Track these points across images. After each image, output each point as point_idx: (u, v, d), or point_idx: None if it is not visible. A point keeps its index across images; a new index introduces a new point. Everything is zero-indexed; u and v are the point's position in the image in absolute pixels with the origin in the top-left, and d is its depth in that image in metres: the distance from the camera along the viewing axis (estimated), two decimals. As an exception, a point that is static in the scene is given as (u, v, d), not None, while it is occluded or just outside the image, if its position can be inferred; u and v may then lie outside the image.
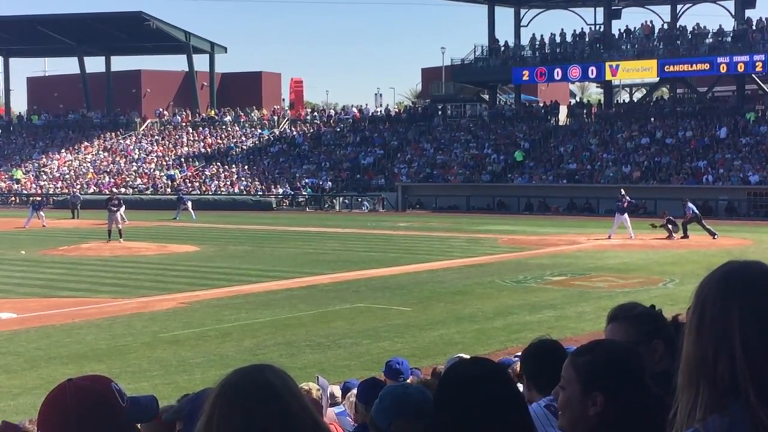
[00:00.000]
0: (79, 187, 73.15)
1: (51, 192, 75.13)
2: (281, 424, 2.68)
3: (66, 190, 72.46)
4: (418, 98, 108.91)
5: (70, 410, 2.93)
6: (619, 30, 75.92)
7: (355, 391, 7.79)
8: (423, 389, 4.33)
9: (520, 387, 4.57)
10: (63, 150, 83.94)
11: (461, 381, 3.22)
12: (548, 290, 27.40)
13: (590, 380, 3.25)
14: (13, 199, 75.89)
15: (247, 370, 2.81)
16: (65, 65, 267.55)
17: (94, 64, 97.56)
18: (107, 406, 3.01)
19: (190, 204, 60.45)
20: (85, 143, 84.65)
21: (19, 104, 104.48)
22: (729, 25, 70.75)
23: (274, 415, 2.68)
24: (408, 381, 8.33)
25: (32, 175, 79.47)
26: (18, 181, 78.44)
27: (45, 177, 78.88)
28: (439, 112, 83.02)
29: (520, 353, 6.30)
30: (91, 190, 74.57)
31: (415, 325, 21.53)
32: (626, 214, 43.24)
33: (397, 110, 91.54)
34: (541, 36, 77.35)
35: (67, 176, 78.45)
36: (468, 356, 9.56)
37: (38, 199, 61.45)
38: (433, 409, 3.38)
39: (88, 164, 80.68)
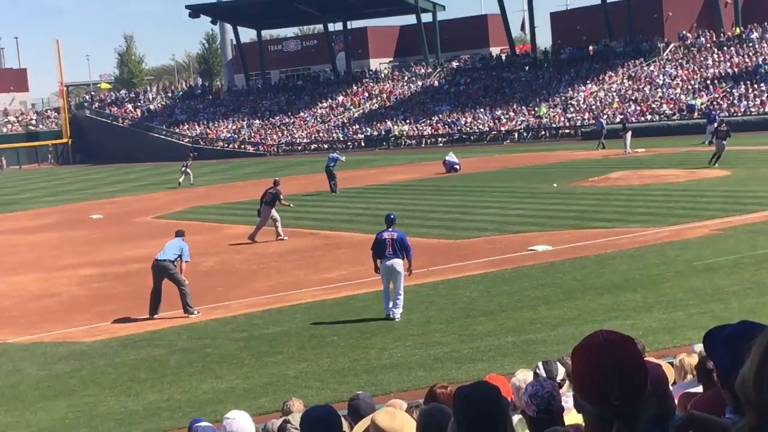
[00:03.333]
0: (605, 117, 73.84)
1: (578, 124, 76.58)
2: None
3: (592, 122, 73.47)
4: None
5: (604, 362, 2.94)
6: None
7: None
8: None
9: None
10: (588, 82, 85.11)
11: None
12: None
13: None
14: (543, 133, 78.35)
15: None
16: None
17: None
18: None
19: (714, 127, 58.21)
20: (609, 73, 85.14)
21: (544, 40, 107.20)
22: None
23: None
24: None
25: (560, 109, 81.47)
26: (540, 117, 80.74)
27: (572, 109, 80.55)
28: None
29: None
30: (617, 119, 74.99)
31: None
32: None
33: None
34: None
35: (593, 107, 79.49)
36: None
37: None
38: None
39: (613, 94, 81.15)
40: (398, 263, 18.31)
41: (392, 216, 19.35)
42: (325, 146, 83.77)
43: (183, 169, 57.62)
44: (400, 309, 18.22)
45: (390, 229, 18.76)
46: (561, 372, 7.60)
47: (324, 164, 46.53)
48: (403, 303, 18.28)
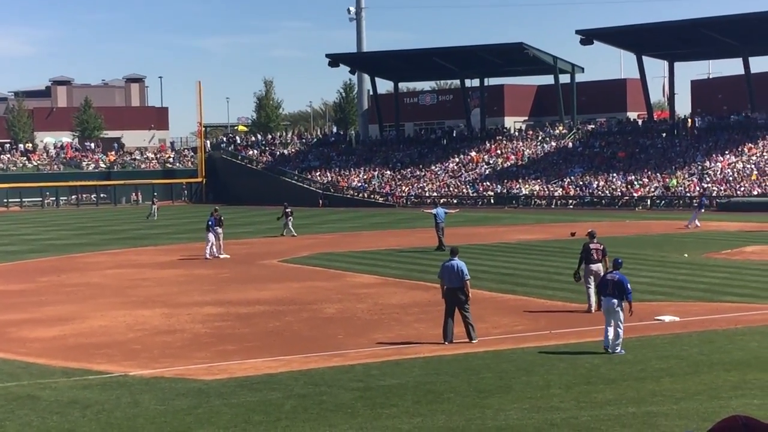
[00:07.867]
0: (742, 189, 72.13)
1: (714, 194, 74.99)
2: None
3: (728, 192, 71.90)
4: None
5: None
6: None
7: None
8: None
9: None
10: (726, 152, 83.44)
11: None
12: None
13: None
14: (676, 201, 76.86)
15: None
16: (729, 67, 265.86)
17: (761, 64, 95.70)
18: None
19: None
20: (749, 144, 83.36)
21: (683, 108, 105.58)
22: None
23: None
24: None
25: (695, 178, 79.93)
26: (667, 189, 79.18)
27: (708, 179, 78.97)
28: None
29: None
30: (755, 192, 73.31)
31: None
32: None
33: None
34: None
35: (731, 178, 77.84)
36: None
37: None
38: None
39: (752, 165, 79.40)
40: (614, 303, 20.05)
41: (619, 261, 21.26)
42: (455, 201, 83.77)
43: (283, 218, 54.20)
44: (619, 345, 19.87)
45: (614, 272, 20.70)
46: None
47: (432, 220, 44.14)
48: (622, 340, 19.92)
